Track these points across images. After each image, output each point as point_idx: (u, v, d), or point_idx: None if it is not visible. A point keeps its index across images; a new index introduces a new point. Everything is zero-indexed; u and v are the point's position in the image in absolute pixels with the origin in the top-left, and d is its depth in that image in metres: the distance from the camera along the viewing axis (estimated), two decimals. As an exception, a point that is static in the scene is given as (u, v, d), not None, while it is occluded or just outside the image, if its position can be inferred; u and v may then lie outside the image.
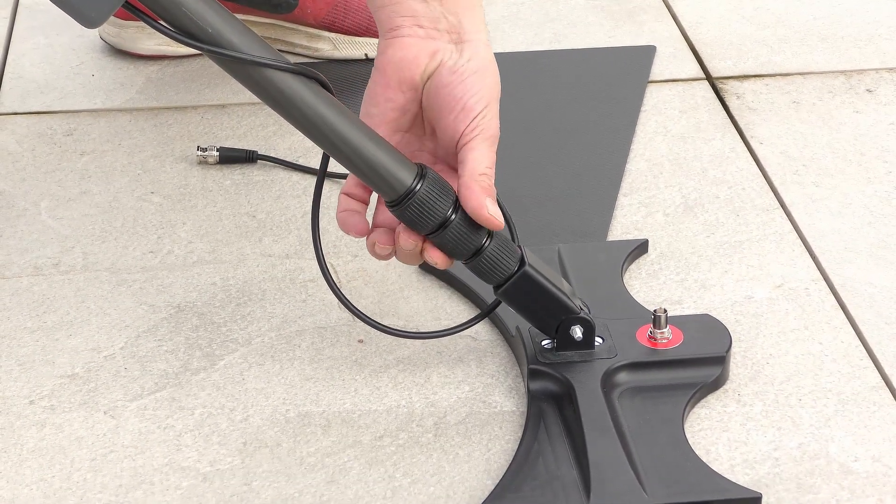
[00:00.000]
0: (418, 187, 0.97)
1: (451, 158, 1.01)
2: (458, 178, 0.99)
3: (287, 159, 1.32)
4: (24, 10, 1.58)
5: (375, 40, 1.46)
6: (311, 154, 1.33)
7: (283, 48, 1.47)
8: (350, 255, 1.20)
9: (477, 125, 0.98)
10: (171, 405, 1.04)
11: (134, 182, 1.30)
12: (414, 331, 1.10)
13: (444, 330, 1.05)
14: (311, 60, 1.47)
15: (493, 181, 0.99)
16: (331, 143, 0.96)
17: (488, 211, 0.98)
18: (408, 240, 0.99)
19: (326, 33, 1.45)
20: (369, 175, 0.97)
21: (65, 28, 1.54)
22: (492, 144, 0.99)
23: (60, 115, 1.40)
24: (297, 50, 1.47)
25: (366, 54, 1.46)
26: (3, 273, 1.18)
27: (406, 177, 0.97)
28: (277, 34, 1.47)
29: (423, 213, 0.97)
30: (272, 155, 1.32)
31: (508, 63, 1.48)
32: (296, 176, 1.30)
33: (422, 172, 0.98)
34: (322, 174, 0.99)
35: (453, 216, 0.98)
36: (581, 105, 1.40)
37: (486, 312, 1.04)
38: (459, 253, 1.00)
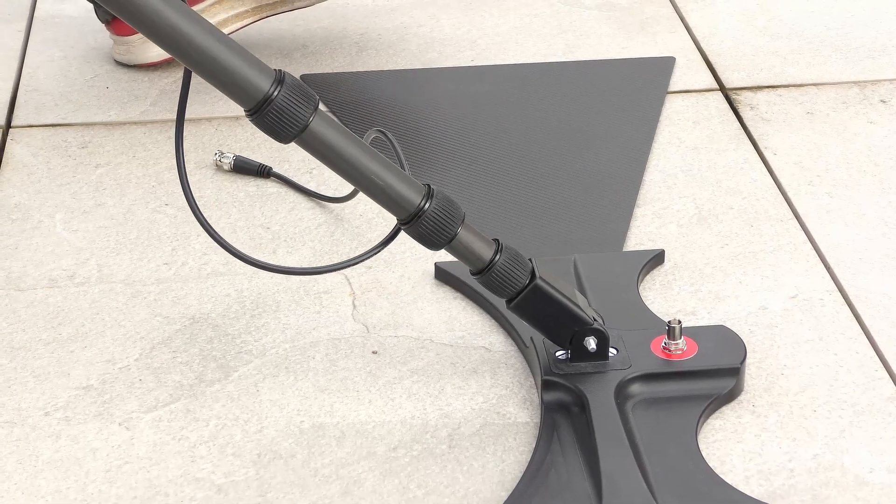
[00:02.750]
0: (276, 93, 0.93)
1: None
2: None
3: (300, 172, 1.32)
4: (38, 23, 1.59)
5: None
6: (326, 169, 1.33)
7: (284, 9, 1.46)
8: (364, 267, 1.20)
9: None
10: (186, 416, 1.04)
11: (148, 194, 1.30)
12: (292, 266, 1.06)
13: (331, 266, 1.02)
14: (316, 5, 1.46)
15: None
16: (179, 48, 0.92)
17: None
18: None
19: None
20: (224, 81, 0.93)
21: (79, 41, 1.55)
22: None
23: (75, 127, 1.41)
24: (297, 5, 1.46)
25: None
26: (18, 285, 1.18)
27: (263, 82, 0.93)
28: None
29: (282, 120, 0.94)
30: (286, 166, 1.33)
31: (527, 73, 1.48)
32: (309, 186, 1.30)
33: (280, 78, 0.94)
34: (185, 88, 0.96)
35: (426, 204, 0.97)
36: (600, 115, 1.41)
37: (387, 240, 1.01)
38: (434, 243, 0.99)
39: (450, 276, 1.17)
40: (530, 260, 1.03)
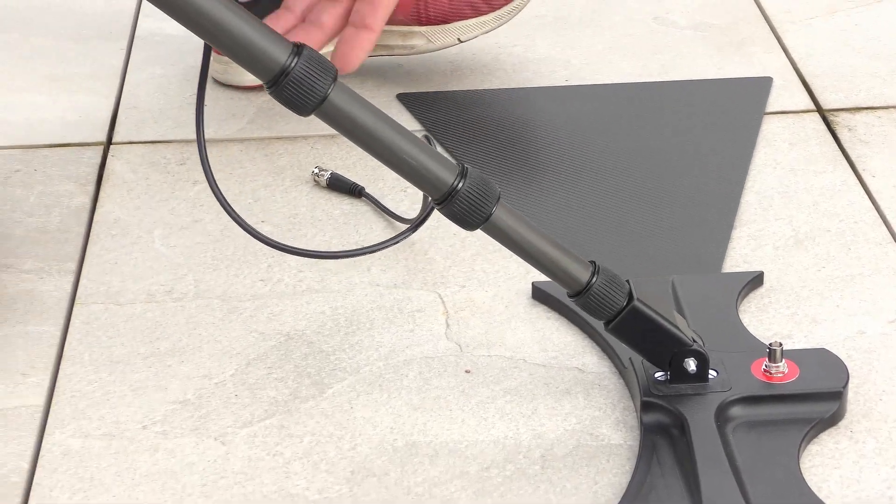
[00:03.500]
0: (293, 64, 0.93)
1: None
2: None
3: (395, 190, 1.33)
4: (139, 42, 1.62)
5: (465, 21, 1.45)
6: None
7: (381, 52, 1.47)
8: (457, 286, 1.20)
9: None
10: (281, 432, 1.05)
11: (245, 211, 1.31)
12: (330, 251, 1.13)
13: (368, 247, 1.08)
14: (410, 56, 1.48)
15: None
16: (193, 21, 0.92)
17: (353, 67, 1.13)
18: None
19: (417, 28, 1.45)
20: (240, 54, 0.93)
21: (179, 59, 1.57)
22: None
23: (174, 144, 1.43)
24: (396, 51, 1.47)
25: (458, 38, 1.45)
26: (117, 300, 1.20)
27: (280, 54, 0.93)
28: None
29: (300, 92, 0.93)
30: (380, 184, 1.33)
31: (622, 93, 1.48)
32: (403, 206, 1.31)
33: (298, 50, 0.94)
34: (205, 63, 0.97)
35: (460, 183, 0.98)
36: (696, 136, 1.40)
37: (422, 220, 1.05)
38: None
39: (547, 295, 1.17)
40: (627, 281, 1.02)
